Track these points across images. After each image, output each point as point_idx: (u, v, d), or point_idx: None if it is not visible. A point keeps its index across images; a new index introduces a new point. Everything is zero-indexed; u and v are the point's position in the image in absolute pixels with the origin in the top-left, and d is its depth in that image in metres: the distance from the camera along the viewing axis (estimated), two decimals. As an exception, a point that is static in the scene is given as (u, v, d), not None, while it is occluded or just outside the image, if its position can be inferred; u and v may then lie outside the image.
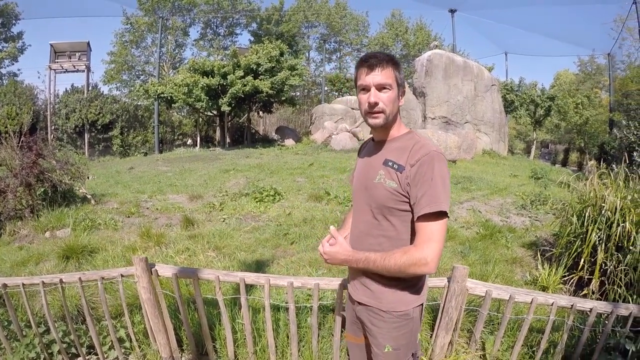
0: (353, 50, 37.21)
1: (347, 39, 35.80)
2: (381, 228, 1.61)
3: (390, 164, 1.57)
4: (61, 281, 2.80)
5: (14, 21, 28.28)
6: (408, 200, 1.52)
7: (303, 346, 2.81)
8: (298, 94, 30.48)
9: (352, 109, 20.01)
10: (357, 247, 1.69)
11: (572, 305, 2.50)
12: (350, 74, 33.48)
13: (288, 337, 2.80)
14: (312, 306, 2.62)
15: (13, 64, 29.36)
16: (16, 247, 5.32)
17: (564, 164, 26.02)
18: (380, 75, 1.53)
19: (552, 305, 2.50)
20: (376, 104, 1.54)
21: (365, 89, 1.56)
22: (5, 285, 2.79)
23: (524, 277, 4.07)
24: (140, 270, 2.64)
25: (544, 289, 3.70)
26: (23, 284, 2.81)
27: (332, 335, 2.70)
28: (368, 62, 1.55)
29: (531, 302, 2.50)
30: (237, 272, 2.72)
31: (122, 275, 2.77)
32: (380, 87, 1.54)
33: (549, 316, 2.55)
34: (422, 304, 1.69)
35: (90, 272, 3.02)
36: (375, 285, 1.63)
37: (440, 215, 1.46)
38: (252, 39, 31.08)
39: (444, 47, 18.94)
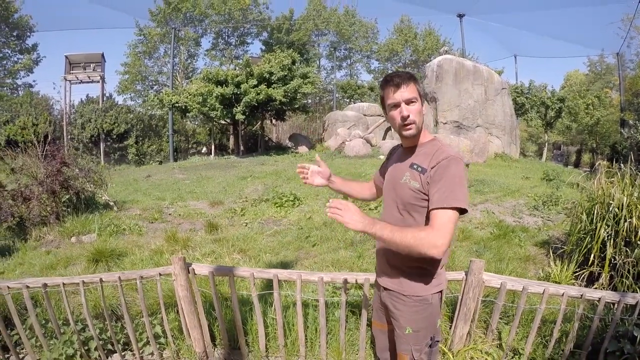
0: (363, 57, 37.52)
1: (357, 46, 36.10)
2: (404, 222, 1.84)
3: (415, 166, 1.80)
4: (101, 280, 2.95)
5: (28, 33, 29.02)
6: (428, 198, 1.74)
7: (330, 338, 3.01)
8: (310, 101, 30.78)
9: (365, 115, 20.21)
10: None
11: (581, 295, 2.66)
12: (362, 80, 33.76)
13: (316, 330, 3.00)
14: (338, 301, 2.83)
15: (28, 75, 30.02)
16: (43, 252, 5.53)
17: (577, 165, 25.87)
18: (407, 91, 1.75)
19: (562, 295, 2.67)
20: (408, 116, 1.75)
21: (396, 105, 1.77)
22: (45, 285, 2.93)
23: (537, 273, 4.22)
24: (179, 269, 2.84)
25: (556, 284, 3.85)
26: (63, 284, 2.95)
27: (359, 328, 2.91)
28: (394, 81, 1.77)
29: (543, 293, 2.68)
30: (270, 269, 2.93)
31: (160, 274, 2.96)
32: (409, 102, 1.75)
33: (560, 306, 2.71)
34: (440, 291, 1.90)
35: (129, 272, 3.20)
36: (398, 272, 1.86)
37: (453, 210, 1.65)
38: (263, 47, 31.50)
39: (454, 52, 19.05)
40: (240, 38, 32.45)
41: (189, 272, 2.90)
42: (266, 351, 3.06)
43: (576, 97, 23.28)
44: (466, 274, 2.74)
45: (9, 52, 28.53)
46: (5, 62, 28.46)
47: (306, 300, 3.20)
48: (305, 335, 3.01)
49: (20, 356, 3.22)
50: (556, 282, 3.82)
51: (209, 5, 29.34)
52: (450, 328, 2.98)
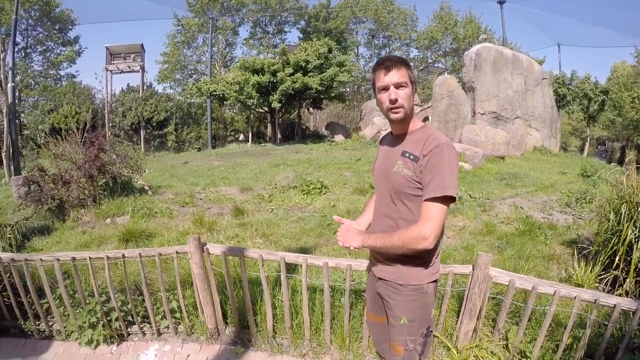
0: (402, 45, 36.79)
1: (395, 34, 35.45)
2: (398, 211, 1.84)
3: (407, 154, 1.79)
4: (123, 256, 3.18)
5: (70, 26, 30.63)
6: (421, 187, 1.74)
7: (335, 324, 3.06)
8: (348, 90, 30.59)
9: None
10: (377, 227, 1.95)
11: (595, 300, 2.52)
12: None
13: (322, 314, 3.06)
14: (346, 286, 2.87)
15: (71, 66, 31.97)
16: (79, 232, 5.89)
17: (621, 162, 24.20)
18: (397, 75, 1.74)
19: (575, 298, 2.54)
20: (396, 100, 1.75)
21: (385, 89, 1.77)
22: (74, 259, 3.20)
23: (559, 274, 4.06)
24: (194, 247, 3.00)
25: (578, 286, 3.69)
26: (90, 258, 3.20)
27: (363, 315, 2.94)
28: (385, 64, 1.77)
29: (554, 294, 2.56)
30: (278, 252, 3.01)
31: (177, 252, 3.14)
32: (398, 85, 1.75)
33: (572, 310, 2.59)
34: (435, 281, 1.89)
35: (149, 249, 3.42)
36: (394, 262, 1.86)
37: (444, 199, 1.68)
38: (300, 36, 31.55)
39: (495, 40, 18.32)
40: (278, 27, 32.66)
41: (203, 252, 3.05)
42: (274, 332, 3.16)
43: (621, 89, 21.78)
44: (473, 268, 2.69)
45: (52, 44, 30.25)
46: (48, 54, 30.23)
47: (316, 285, 3.26)
48: (312, 319, 3.07)
49: (50, 324, 3.54)
50: (578, 284, 3.67)
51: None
52: (456, 324, 2.95)
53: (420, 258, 1.81)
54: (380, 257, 1.93)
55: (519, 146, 12.94)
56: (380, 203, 1.96)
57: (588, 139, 22.69)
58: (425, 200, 1.70)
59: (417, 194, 1.77)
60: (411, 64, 1.83)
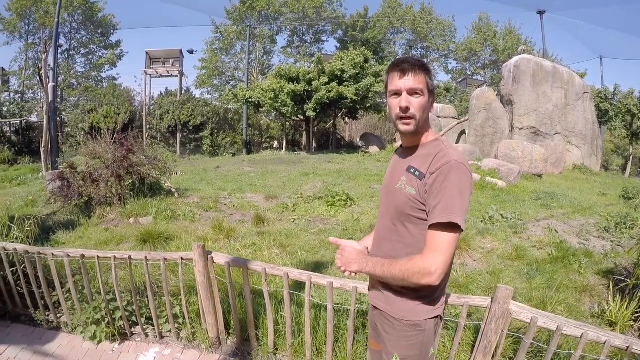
0: (440, 57, 36.30)
1: (433, 44, 35.02)
2: (398, 234, 1.62)
3: (412, 170, 1.56)
4: (130, 258, 3.22)
5: (112, 31, 32.31)
6: (425, 209, 1.51)
7: (339, 347, 2.89)
8: (385, 101, 30.32)
9: (438, 117, 19.53)
10: (376, 251, 1.74)
11: (627, 347, 2.20)
12: (439, 80, 32.44)
13: (326, 335, 2.91)
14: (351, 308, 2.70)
15: (112, 69, 33.83)
16: (102, 229, 6.06)
17: None
18: (413, 80, 1.52)
19: (604, 343, 2.24)
20: (408, 108, 1.52)
21: (397, 94, 1.55)
22: (83, 256, 3.29)
23: (592, 308, 3.72)
24: (198, 255, 2.95)
25: (611, 324, 3.35)
26: (98, 257, 3.27)
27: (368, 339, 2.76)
28: (400, 66, 1.54)
29: (581, 337, 2.27)
30: (283, 267, 2.89)
31: (182, 259, 3.11)
32: (412, 92, 1.52)
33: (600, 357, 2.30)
34: (437, 317, 1.65)
35: (155, 253, 3.41)
36: (389, 291, 1.64)
37: (452, 227, 1.43)
38: (338, 45, 31.62)
39: (535, 52, 17.60)
40: (316, 36, 32.92)
41: (207, 260, 3.00)
42: (275, 348, 3.04)
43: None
44: (492, 302, 2.45)
45: (95, 47, 31.91)
46: (91, 56, 31.92)
47: (321, 304, 3.11)
48: (315, 339, 2.93)
49: (58, 315, 3.67)
50: (612, 322, 3.35)
51: (284, 3, 29.99)
52: None
53: (421, 291, 1.58)
54: (377, 283, 1.72)
55: (557, 164, 12.32)
56: (380, 223, 1.75)
57: (631, 157, 21.28)
58: (431, 227, 1.47)
59: (419, 217, 1.54)
60: (431, 69, 1.58)
